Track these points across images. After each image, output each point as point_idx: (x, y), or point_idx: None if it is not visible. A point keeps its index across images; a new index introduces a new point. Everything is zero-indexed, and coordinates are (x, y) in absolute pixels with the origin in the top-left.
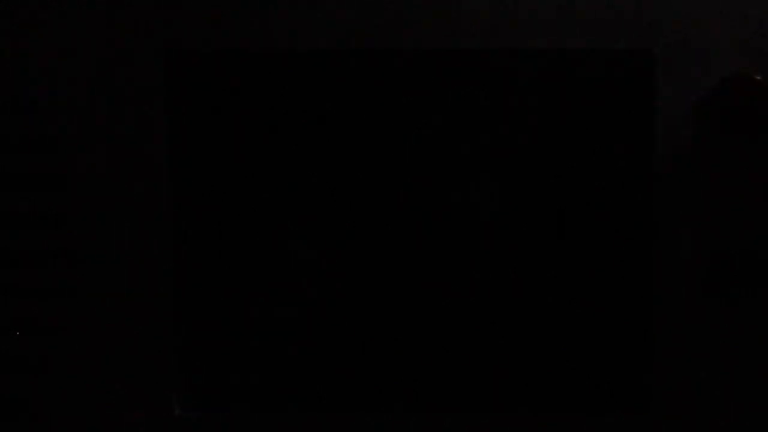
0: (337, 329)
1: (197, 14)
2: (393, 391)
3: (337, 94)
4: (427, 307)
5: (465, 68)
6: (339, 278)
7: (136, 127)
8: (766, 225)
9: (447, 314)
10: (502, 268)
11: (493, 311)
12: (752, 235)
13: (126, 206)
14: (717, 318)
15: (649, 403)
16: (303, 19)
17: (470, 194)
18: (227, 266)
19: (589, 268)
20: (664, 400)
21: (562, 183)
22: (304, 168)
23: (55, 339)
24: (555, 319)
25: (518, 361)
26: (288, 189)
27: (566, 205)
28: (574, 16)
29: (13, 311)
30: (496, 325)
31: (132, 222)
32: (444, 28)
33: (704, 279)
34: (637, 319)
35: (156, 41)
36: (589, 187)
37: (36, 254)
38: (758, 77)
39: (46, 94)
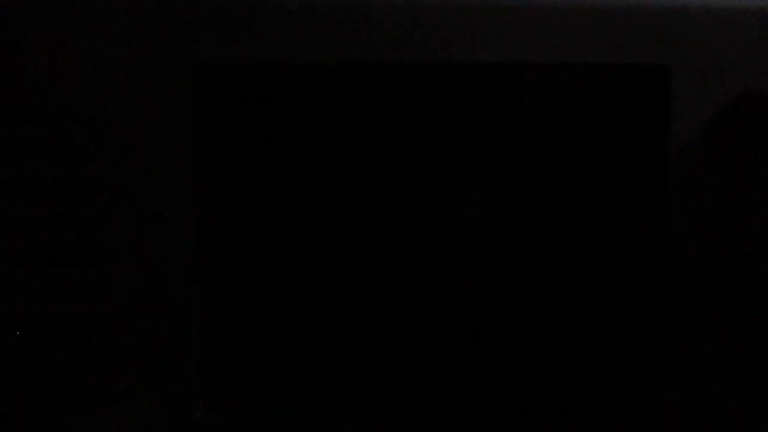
0: (360, 335)
1: (225, 29)
2: (410, 396)
3: (366, 106)
4: (445, 310)
5: (481, 82)
6: (363, 285)
7: (164, 137)
8: None
9: (461, 317)
10: (517, 271)
11: (506, 313)
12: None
13: (153, 212)
14: (730, 322)
15: (661, 407)
16: (333, 33)
17: (487, 204)
18: (250, 272)
19: (604, 273)
20: (677, 403)
21: (578, 191)
22: (329, 178)
23: (80, 340)
24: (569, 321)
25: (530, 363)
26: (311, 198)
27: (582, 211)
28: (592, 31)
29: (40, 312)
30: (509, 327)
31: (158, 227)
32: (462, 42)
33: (718, 284)
34: (651, 323)
35: (184, 55)
36: (605, 195)
37: (64, 256)
38: None
39: (80, 105)
